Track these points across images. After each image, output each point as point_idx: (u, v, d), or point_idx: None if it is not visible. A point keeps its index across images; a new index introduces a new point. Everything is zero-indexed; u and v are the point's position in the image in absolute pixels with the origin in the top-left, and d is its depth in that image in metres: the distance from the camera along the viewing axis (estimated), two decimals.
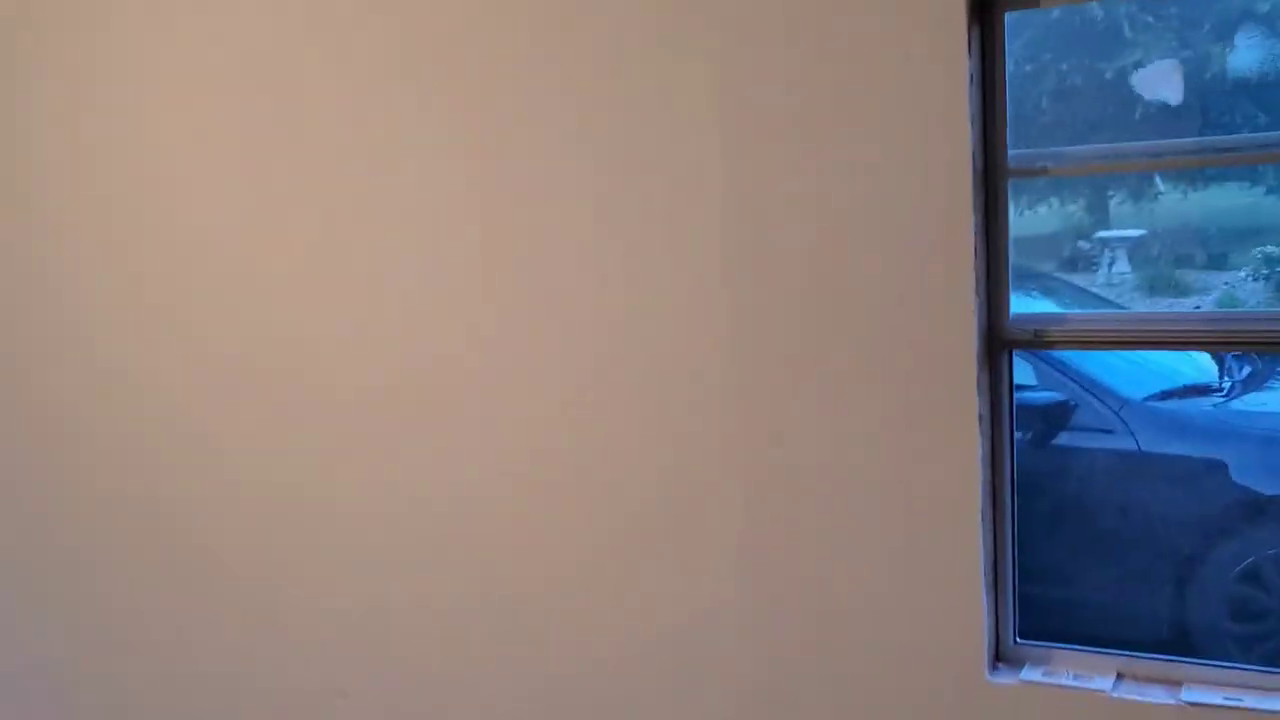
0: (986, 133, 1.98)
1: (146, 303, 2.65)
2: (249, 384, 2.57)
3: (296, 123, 2.43)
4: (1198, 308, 5.30)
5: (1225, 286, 5.55)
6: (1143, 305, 5.73)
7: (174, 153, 2.57)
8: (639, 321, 2.19)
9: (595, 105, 2.16)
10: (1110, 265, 6.14)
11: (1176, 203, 6.12)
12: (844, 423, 2.08)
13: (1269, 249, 5.55)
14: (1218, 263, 5.97)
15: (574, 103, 2.17)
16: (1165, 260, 6.01)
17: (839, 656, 2.15)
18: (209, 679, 2.77)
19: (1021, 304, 4.10)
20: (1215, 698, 1.93)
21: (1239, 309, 4.94)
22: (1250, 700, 1.91)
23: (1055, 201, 6.43)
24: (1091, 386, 3.65)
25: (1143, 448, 3.59)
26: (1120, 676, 2.03)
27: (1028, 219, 6.78)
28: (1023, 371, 3.71)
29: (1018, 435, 3.66)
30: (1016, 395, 3.68)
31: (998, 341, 2.03)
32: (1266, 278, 5.47)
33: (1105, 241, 6.22)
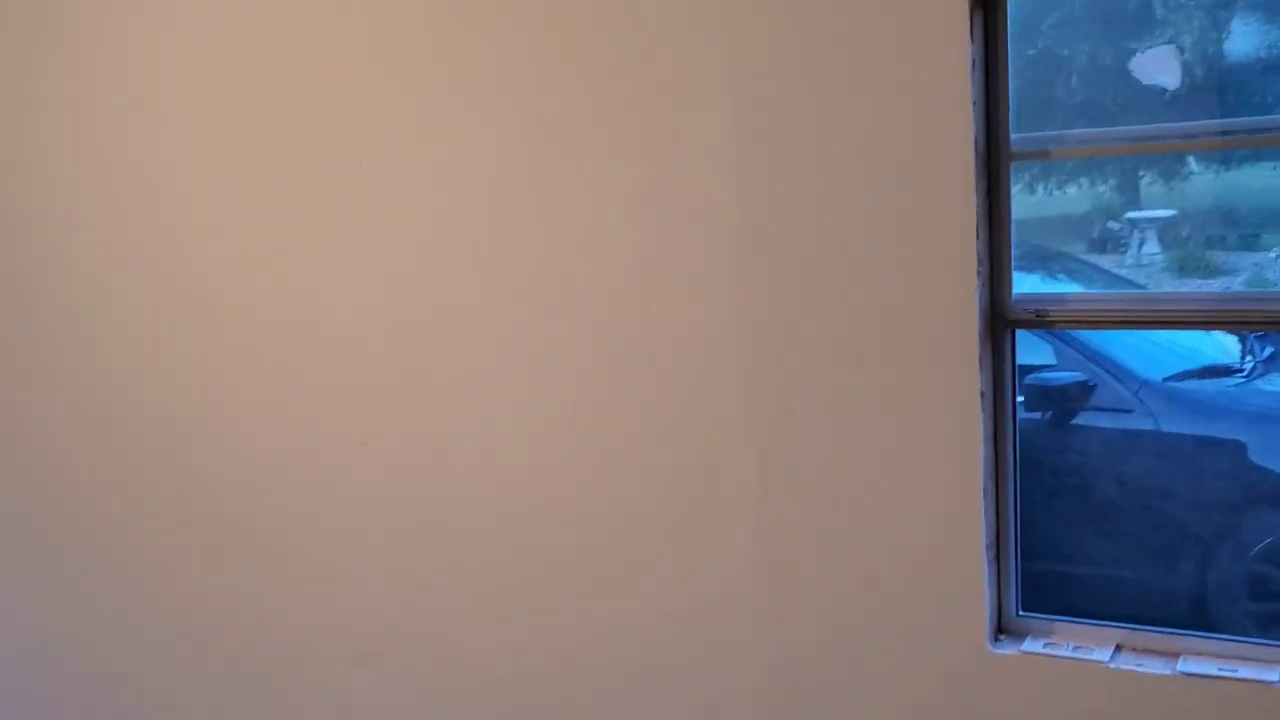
0: (990, 116, 2.02)
1: (176, 286, 2.74)
2: (272, 366, 2.66)
3: (315, 115, 2.51)
4: (1227, 289, 5.27)
5: (1255, 267, 5.51)
6: (1171, 286, 5.70)
7: (193, 145, 2.65)
8: (653, 303, 2.26)
9: (613, 91, 2.22)
10: (1140, 246, 6.10)
11: (1209, 183, 6.06)
12: (850, 400, 2.13)
13: None
14: (1249, 243, 5.92)
15: (604, 98, 2.23)
16: (1195, 241, 5.97)
17: (845, 628, 2.22)
18: (228, 646, 2.87)
19: (1044, 286, 4.11)
20: (1211, 668, 1.98)
21: (1264, 290, 4.91)
22: (1245, 671, 1.96)
23: (1085, 182, 6.40)
24: (1110, 367, 3.67)
25: (1161, 428, 3.60)
26: (1119, 648, 2.08)
27: (1057, 199, 6.74)
28: (1042, 352, 3.74)
29: (1036, 415, 3.71)
30: (1035, 376, 3.73)
31: (1000, 321, 2.07)
32: None
33: (1135, 222, 6.18)
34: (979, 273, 2.02)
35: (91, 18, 2.70)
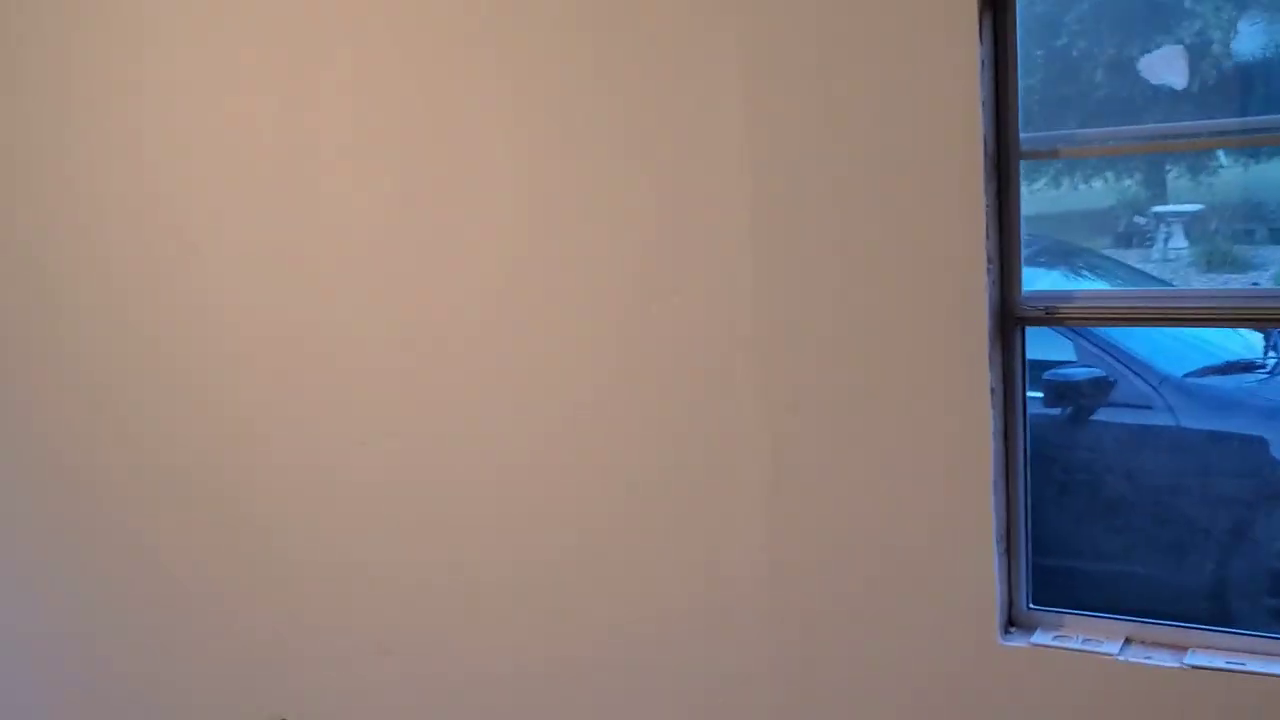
0: (999, 116, 2.05)
1: (190, 286, 2.82)
2: (297, 368, 2.73)
3: (324, 120, 2.57)
4: (1255, 284, 5.23)
5: None
6: (1198, 281, 5.66)
7: (201, 147, 2.73)
8: (663, 301, 2.30)
9: (626, 94, 2.26)
10: (1166, 241, 6.07)
11: (1237, 176, 6.01)
12: (861, 396, 2.17)
13: None
14: (1278, 237, 5.86)
15: (618, 101, 2.27)
16: (1223, 235, 5.93)
17: (857, 622, 2.25)
18: (254, 638, 2.95)
19: (1066, 282, 4.11)
20: (1218, 661, 2.00)
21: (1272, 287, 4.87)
22: (1253, 664, 1.98)
23: (1110, 176, 6.36)
24: (1130, 362, 3.66)
25: (1181, 423, 3.60)
26: (1128, 641, 2.11)
27: (1082, 193, 6.71)
28: (1062, 348, 3.74)
29: (1055, 411, 3.71)
30: (1054, 372, 3.73)
31: (1010, 318, 2.10)
32: None
33: (1161, 217, 6.14)
34: (988, 270, 2.05)
35: (118, 24, 2.78)
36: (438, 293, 2.54)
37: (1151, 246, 6.11)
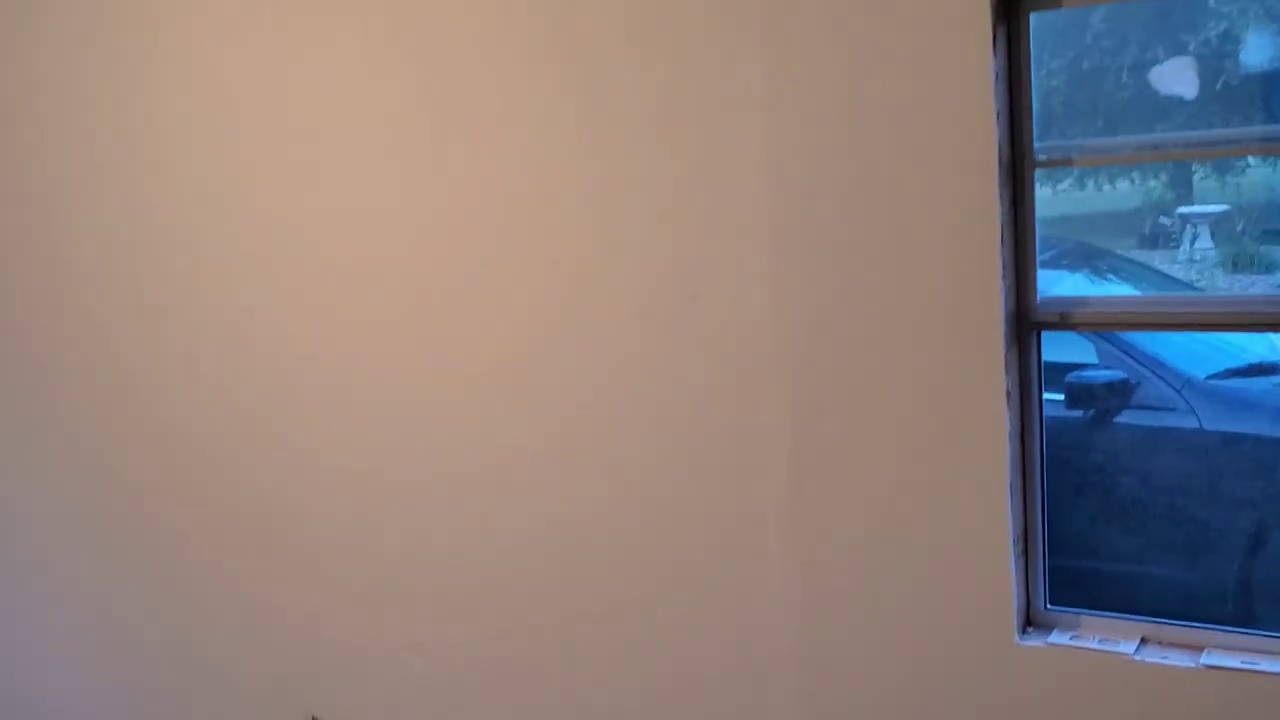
0: (1014, 126, 2.09)
1: (232, 303, 2.89)
2: (330, 368, 2.80)
3: (349, 120, 2.65)
4: None
5: None
6: (1224, 281, 5.65)
7: (211, 149, 2.81)
8: (687, 305, 2.36)
9: (656, 102, 2.32)
10: (1192, 241, 6.05)
11: (1264, 176, 5.99)
12: (880, 400, 2.21)
13: None
14: None
15: (642, 108, 2.32)
16: (1249, 236, 5.91)
17: (877, 621, 2.29)
18: (285, 637, 3.02)
19: (1088, 284, 4.11)
20: (1233, 661, 2.03)
21: None
22: (1266, 664, 2.01)
23: (1136, 176, 6.36)
24: (1152, 365, 3.67)
25: (1204, 425, 3.61)
26: (1144, 641, 2.14)
27: (1107, 194, 6.70)
28: (1084, 350, 3.76)
29: (1077, 413, 3.72)
30: (1076, 374, 3.74)
31: (1026, 323, 2.14)
32: None
33: (1187, 217, 6.13)
34: (1004, 277, 2.09)
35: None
36: (464, 302, 2.60)
37: (1177, 247, 6.10)
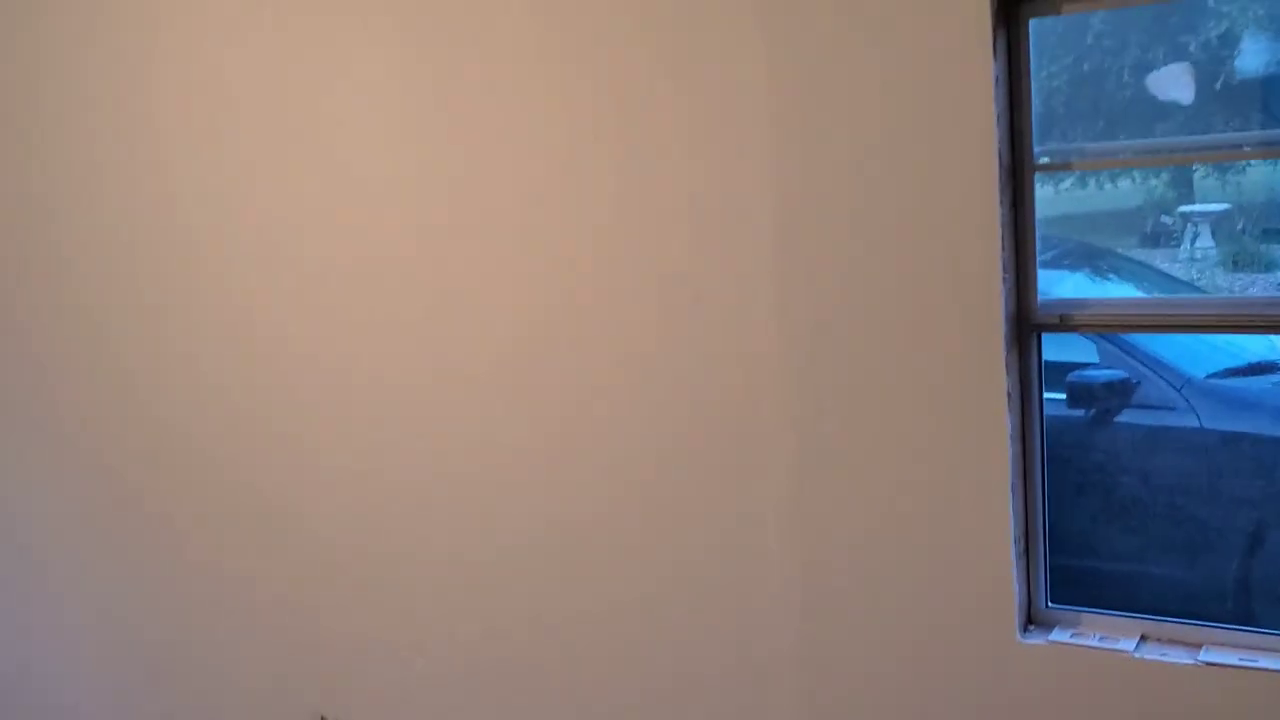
0: (1013, 130, 2.11)
1: (232, 303, 2.92)
2: (324, 378, 2.83)
3: (364, 120, 2.67)
4: None
5: None
6: (1225, 281, 5.66)
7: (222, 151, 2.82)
8: (692, 306, 2.38)
9: (655, 98, 2.34)
10: (1193, 240, 6.07)
11: (1264, 175, 6.00)
12: (882, 401, 2.24)
13: None
14: None
15: (647, 114, 2.35)
16: (1250, 235, 5.92)
17: (879, 620, 2.32)
18: (293, 636, 3.05)
19: (1089, 284, 4.13)
20: (1232, 658, 2.06)
21: None
22: (1265, 661, 2.03)
23: (1137, 175, 6.37)
24: (1153, 364, 3.69)
25: (1204, 425, 3.62)
26: (1144, 639, 2.17)
27: (1108, 193, 6.72)
28: (1085, 350, 3.78)
29: (1078, 413, 3.74)
30: (1077, 374, 3.76)
31: (1026, 325, 2.17)
32: None
33: (1187, 216, 6.15)
34: (1004, 280, 2.11)
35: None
36: (464, 303, 2.63)
37: (1178, 246, 6.11)
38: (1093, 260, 4.52)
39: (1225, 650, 2.08)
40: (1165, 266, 5.55)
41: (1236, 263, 5.77)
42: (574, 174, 2.44)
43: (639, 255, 2.41)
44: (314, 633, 3.02)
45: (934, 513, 2.23)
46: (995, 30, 2.04)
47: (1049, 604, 2.28)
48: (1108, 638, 2.18)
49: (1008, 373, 2.15)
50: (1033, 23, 2.07)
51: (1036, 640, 2.22)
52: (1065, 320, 2.16)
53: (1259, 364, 3.86)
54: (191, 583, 3.17)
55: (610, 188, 2.42)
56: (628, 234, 2.42)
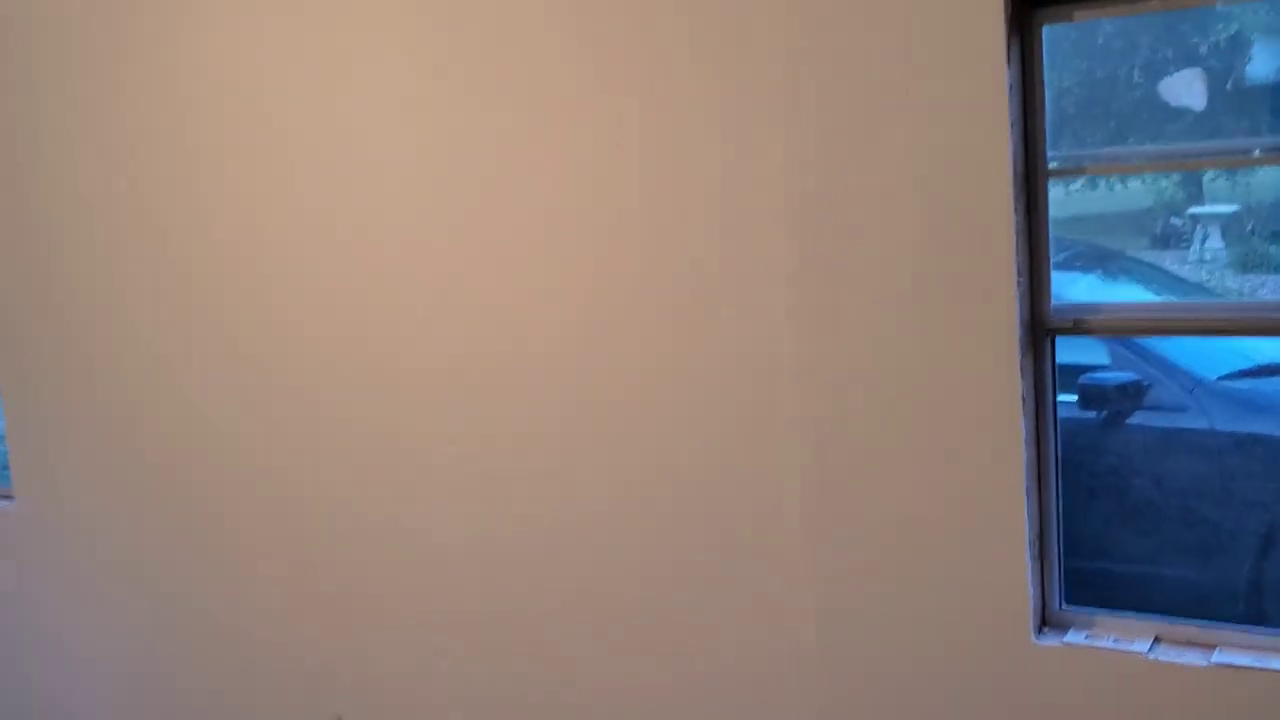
0: (1027, 136, 2.13)
1: (271, 299, 2.96)
2: (362, 360, 2.86)
3: (381, 123, 2.71)
4: None
5: None
6: (1234, 281, 5.68)
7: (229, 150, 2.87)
8: (710, 309, 2.41)
9: (671, 106, 2.37)
10: (1203, 241, 6.09)
11: (1274, 176, 6.02)
12: (898, 405, 2.26)
13: None
14: None
15: (665, 121, 2.38)
16: (1260, 236, 5.94)
17: (895, 622, 2.33)
18: (310, 637, 3.06)
19: (1101, 286, 4.14)
20: (1245, 659, 2.07)
21: None
22: (1278, 662, 2.05)
23: (1147, 177, 6.39)
24: (1165, 366, 3.71)
25: (1216, 426, 3.64)
26: (1158, 640, 2.18)
27: (1119, 195, 6.74)
28: (1096, 352, 3.79)
29: (1090, 415, 3.76)
30: (1089, 376, 3.78)
31: (1040, 329, 2.19)
32: None
33: (1197, 218, 6.16)
34: (1018, 284, 2.13)
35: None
36: (490, 306, 2.66)
37: (1188, 248, 6.14)
38: (1104, 262, 4.53)
39: (1239, 651, 2.09)
40: (1175, 268, 5.57)
41: (1246, 264, 5.79)
42: (594, 178, 2.47)
43: (658, 259, 2.44)
44: (336, 633, 3.03)
45: (949, 515, 2.25)
46: (1009, 38, 2.06)
47: (1063, 606, 2.29)
48: (1122, 639, 2.20)
49: (1022, 377, 2.17)
50: (1046, 30, 2.09)
51: (1051, 642, 2.24)
52: (1079, 324, 2.18)
53: (1270, 366, 3.87)
54: (213, 583, 3.20)
55: (630, 190, 2.44)
56: (646, 237, 2.45)
